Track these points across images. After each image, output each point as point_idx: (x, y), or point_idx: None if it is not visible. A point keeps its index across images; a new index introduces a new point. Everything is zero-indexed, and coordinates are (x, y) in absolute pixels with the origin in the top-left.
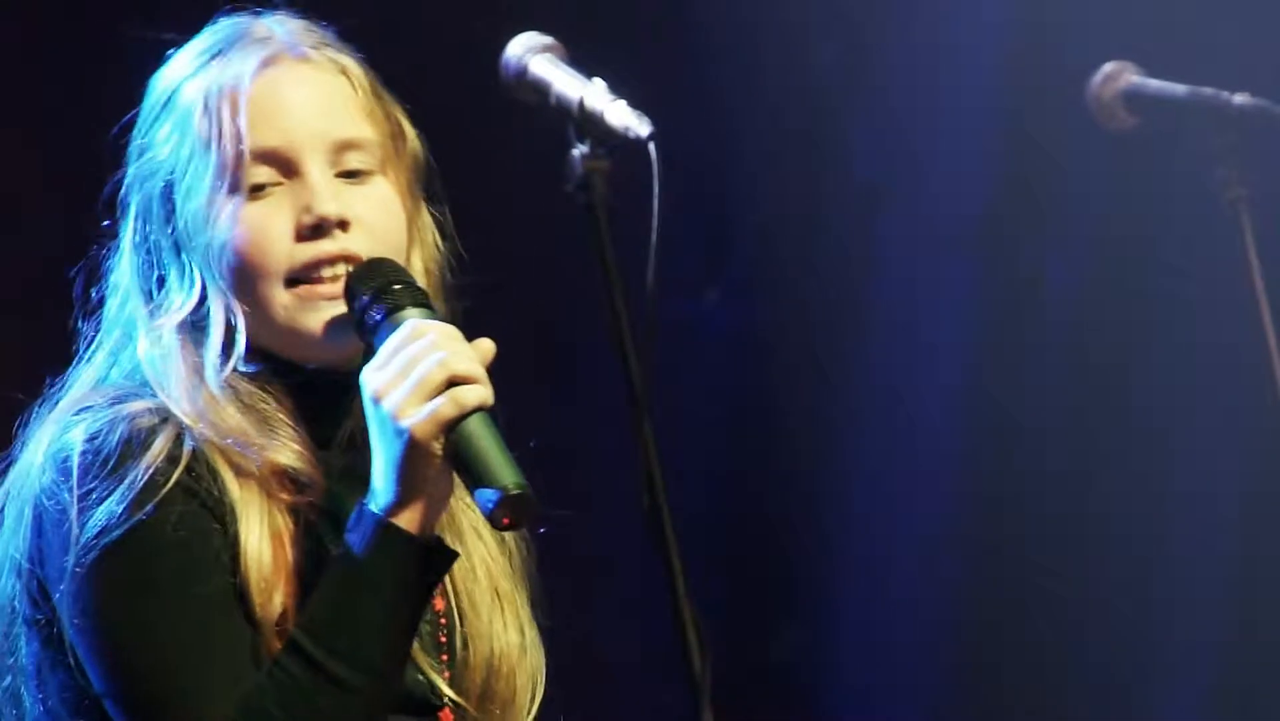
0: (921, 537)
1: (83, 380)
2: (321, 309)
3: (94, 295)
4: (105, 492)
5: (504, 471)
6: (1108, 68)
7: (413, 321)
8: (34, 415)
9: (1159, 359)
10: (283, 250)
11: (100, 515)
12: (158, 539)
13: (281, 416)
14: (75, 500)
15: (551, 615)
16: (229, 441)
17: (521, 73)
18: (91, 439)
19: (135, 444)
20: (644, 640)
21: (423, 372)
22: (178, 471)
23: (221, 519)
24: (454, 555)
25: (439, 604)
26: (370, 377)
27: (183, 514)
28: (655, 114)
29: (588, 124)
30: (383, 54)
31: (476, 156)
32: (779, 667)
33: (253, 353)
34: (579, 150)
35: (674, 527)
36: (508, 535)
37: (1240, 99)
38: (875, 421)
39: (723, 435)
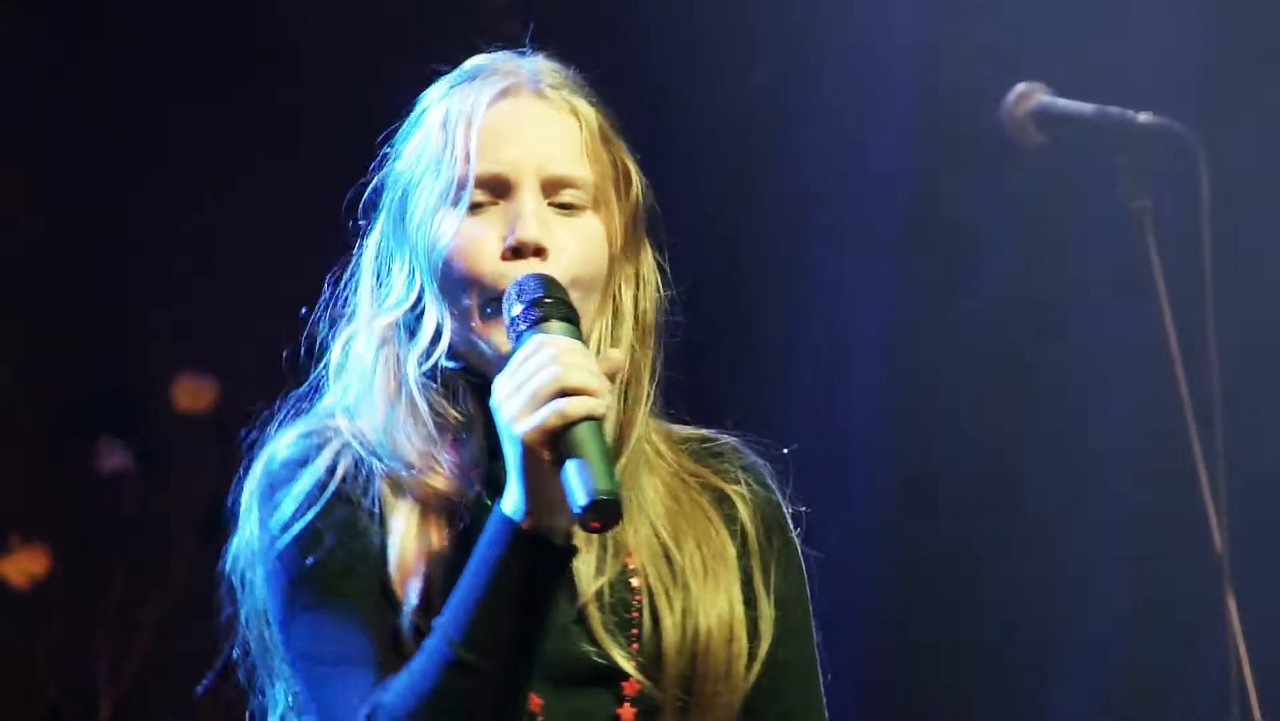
0: (848, 528)
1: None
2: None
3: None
4: (272, 510)
5: (598, 477)
6: (1020, 87)
7: (540, 335)
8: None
9: (1071, 359)
10: (490, 265)
11: (272, 526)
12: (315, 542)
13: (461, 422)
14: (260, 515)
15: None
16: (390, 464)
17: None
18: (269, 460)
19: (299, 461)
20: None
21: (537, 384)
22: (334, 482)
23: (374, 522)
24: (571, 552)
25: (637, 581)
26: (497, 385)
27: (339, 520)
28: None
29: None
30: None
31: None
32: None
33: (452, 356)
34: None
35: None
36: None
37: (1144, 117)
38: (805, 419)
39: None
